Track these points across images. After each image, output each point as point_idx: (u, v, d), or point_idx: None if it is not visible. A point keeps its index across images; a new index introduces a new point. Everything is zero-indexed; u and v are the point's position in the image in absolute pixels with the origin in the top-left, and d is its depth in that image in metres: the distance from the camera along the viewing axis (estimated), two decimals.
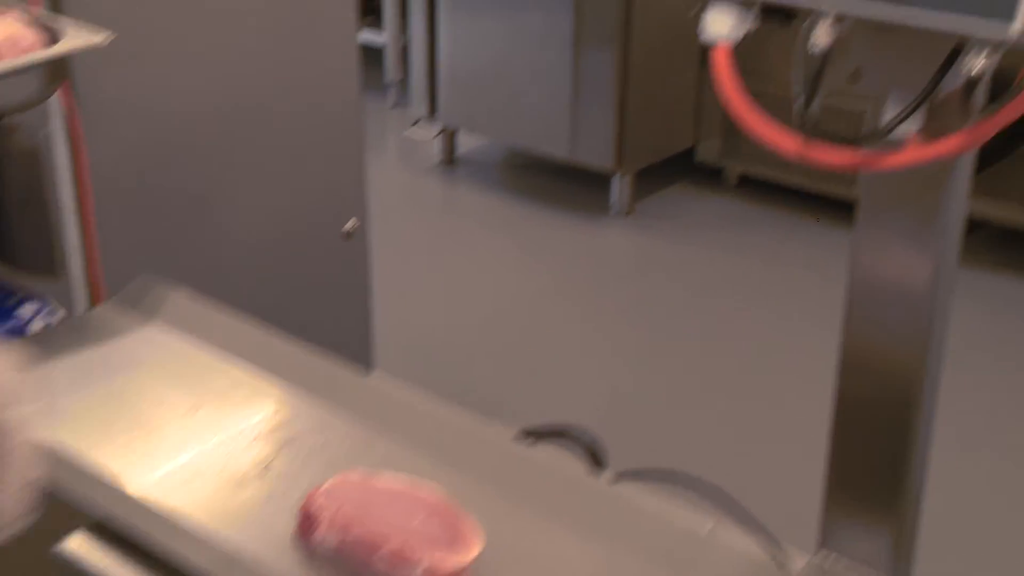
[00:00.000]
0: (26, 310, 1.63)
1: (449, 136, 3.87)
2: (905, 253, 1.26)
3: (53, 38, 1.49)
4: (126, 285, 1.47)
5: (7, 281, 1.71)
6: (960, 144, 1.03)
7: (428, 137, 3.91)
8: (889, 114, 1.07)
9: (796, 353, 2.82)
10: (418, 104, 3.81)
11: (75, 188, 1.76)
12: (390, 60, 4.20)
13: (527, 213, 3.60)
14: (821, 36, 0.99)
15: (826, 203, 3.35)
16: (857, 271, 1.29)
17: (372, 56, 4.35)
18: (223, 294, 1.98)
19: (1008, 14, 0.90)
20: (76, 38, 1.50)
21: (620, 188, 3.54)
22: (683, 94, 3.52)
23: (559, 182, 3.73)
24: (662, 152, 3.59)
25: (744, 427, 2.58)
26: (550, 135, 3.53)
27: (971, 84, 0.95)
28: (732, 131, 3.46)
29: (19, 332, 1.60)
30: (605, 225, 3.53)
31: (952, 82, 1.01)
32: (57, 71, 1.63)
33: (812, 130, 1.04)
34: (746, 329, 2.98)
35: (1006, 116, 1.00)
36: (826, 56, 1.00)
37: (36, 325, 1.61)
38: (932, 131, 1.06)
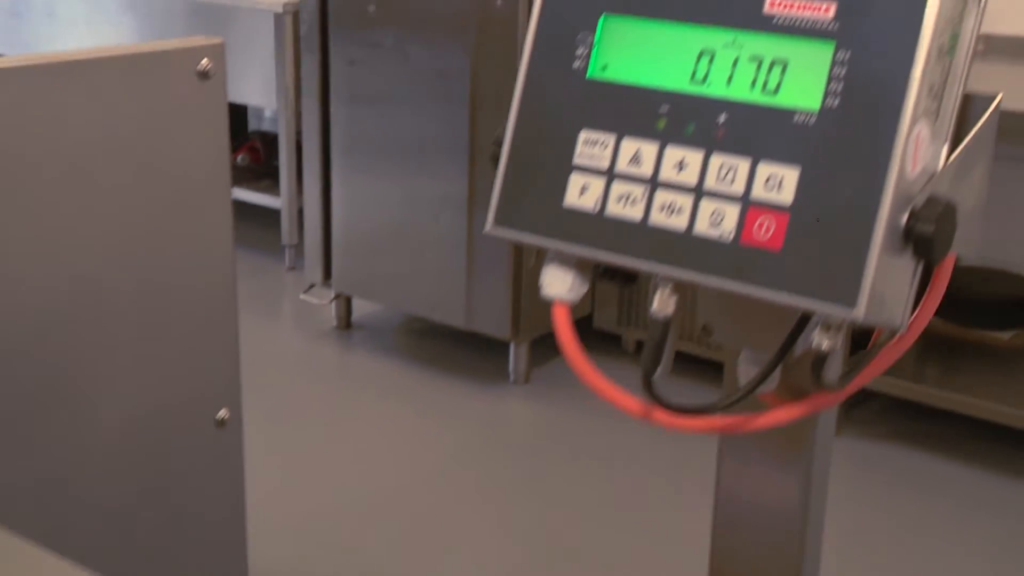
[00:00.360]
0: None
1: (345, 301, 3.80)
2: (772, 487, 1.20)
3: None
4: None
5: None
6: (816, 406, 0.98)
7: (323, 301, 3.84)
8: (743, 371, 1.01)
9: (694, 529, 2.74)
10: (312, 269, 3.73)
11: None
12: (285, 224, 4.14)
13: (424, 380, 3.52)
14: (661, 303, 0.93)
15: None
16: (721, 500, 1.22)
17: (269, 216, 4.30)
18: (78, 494, 1.87)
19: (851, 301, 0.85)
20: None
21: (517, 356, 3.47)
22: None
23: (457, 348, 3.66)
24: None
25: None
26: (445, 303, 3.47)
27: (820, 358, 0.89)
28: (628, 298, 3.44)
29: None
30: (503, 393, 3.46)
31: (805, 343, 0.96)
32: None
33: (657, 397, 0.98)
34: (643, 501, 2.90)
35: (862, 380, 0.95)
36: (669, 322, 0.95)
37: None
38: (789, 390, 1.00)
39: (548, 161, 0.97)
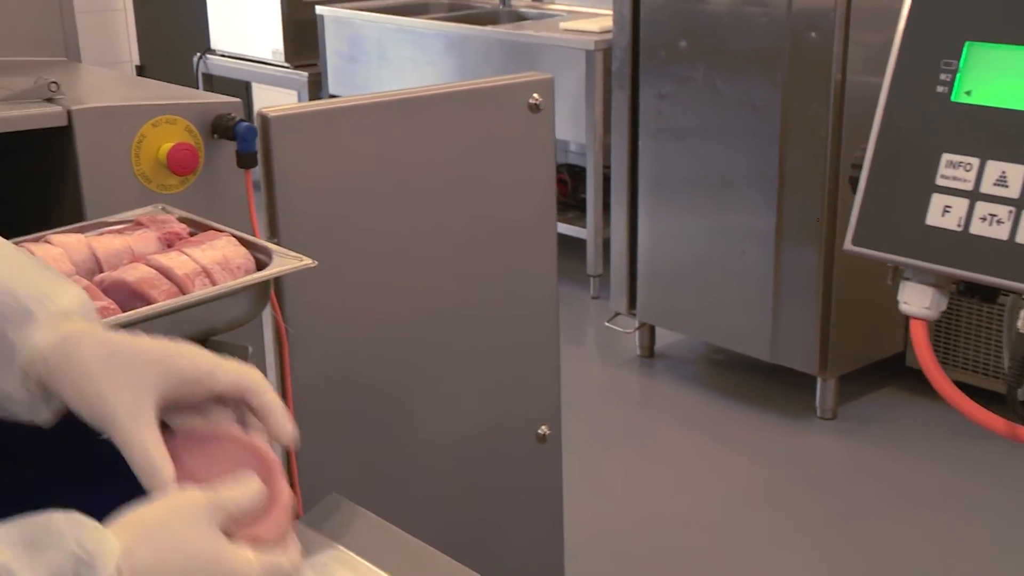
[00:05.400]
0: None
1: (648, 330, 3.86)
2: None
3: (263, 260, 1.53)
4: (318, 500, 1.48)
5: None
6: None
7: (628, 330, 3.92)
8: None
9: None
10: (617, 299, 3.82)
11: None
12: (591, 254, 4.25)
13: (726, 412, 3.53)
14: None
15: None
16: None
17: (575, 246, 4.44)
18: (415, 496, 2.01)
19: None
20: (287, 262, 1.54)
21: (824, 391, 3.43)
22: (891, 297, 3.40)
23: (760, 380, 3.65)
24: (869, 356, 3.47)
25: None
26: (750, 336, 3.47)
27: None
28: (945, 338, 3.33)
29: None
30: (808, 428, 3.42)
31: None
32: (266, 290, 1.69)
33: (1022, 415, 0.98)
34: (960, 555, 2.79)
35: None
36: None
37: None
38: None
39: (909, 182, 1.00)
